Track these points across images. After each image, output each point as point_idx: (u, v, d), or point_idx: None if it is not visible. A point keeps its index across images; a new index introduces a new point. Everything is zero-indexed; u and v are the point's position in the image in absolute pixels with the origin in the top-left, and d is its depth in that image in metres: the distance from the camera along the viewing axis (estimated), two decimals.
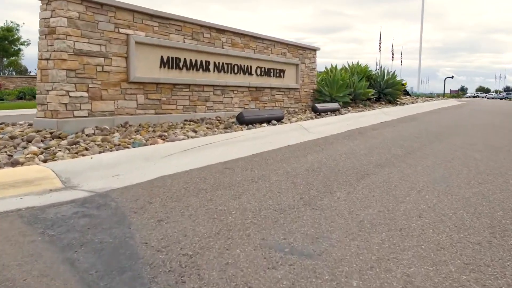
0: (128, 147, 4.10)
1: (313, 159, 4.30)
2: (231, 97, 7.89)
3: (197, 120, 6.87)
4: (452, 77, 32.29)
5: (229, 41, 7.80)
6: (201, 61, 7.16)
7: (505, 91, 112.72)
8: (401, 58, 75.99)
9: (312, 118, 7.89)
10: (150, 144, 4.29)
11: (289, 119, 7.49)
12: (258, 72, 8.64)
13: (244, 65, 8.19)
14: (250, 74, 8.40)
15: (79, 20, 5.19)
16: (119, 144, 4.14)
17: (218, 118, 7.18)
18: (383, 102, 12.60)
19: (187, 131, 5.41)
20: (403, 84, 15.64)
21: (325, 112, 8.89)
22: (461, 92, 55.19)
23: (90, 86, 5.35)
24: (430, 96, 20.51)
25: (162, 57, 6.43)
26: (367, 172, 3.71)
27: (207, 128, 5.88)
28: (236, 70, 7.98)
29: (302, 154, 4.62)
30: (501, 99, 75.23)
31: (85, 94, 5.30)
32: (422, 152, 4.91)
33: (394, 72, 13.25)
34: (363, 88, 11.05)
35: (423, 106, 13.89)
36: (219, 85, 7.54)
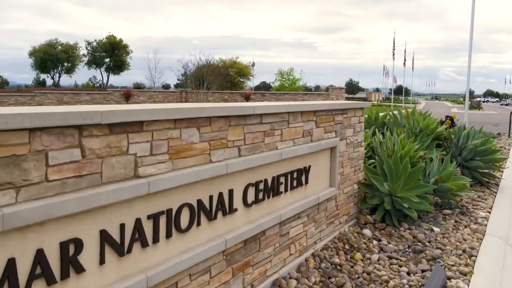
0: None
1: None
2: None
3: None
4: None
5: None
6: None
7: None
8: (413, 62, 67.64)
9: None
10: None
11: None
12: (249, 199, 3.52)
13: (207, 204, 3.08)
14: (228, 212, 3.29)
15: None
16: None
17: None
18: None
19: None
20: (451, 118, 10.41)
21: None
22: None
23: None
24: (492, 136, 15.32)
25: None
26: None
27: None
28: (187, 221, 2.87)
29: None
30: None
31: None
32: None
33: (481, 128, 8.05)
34: (451, 177, 5.81)
35: None
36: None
